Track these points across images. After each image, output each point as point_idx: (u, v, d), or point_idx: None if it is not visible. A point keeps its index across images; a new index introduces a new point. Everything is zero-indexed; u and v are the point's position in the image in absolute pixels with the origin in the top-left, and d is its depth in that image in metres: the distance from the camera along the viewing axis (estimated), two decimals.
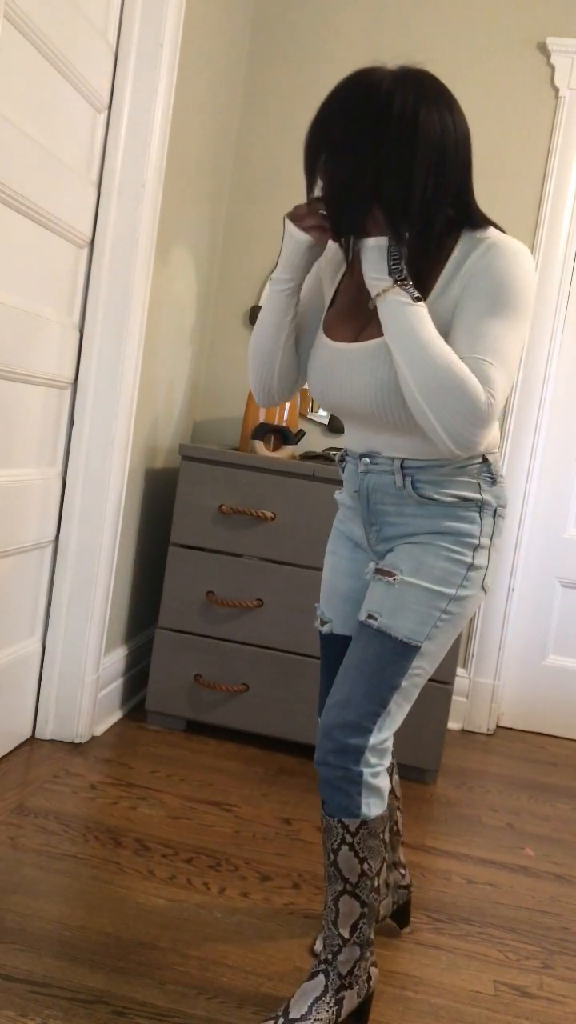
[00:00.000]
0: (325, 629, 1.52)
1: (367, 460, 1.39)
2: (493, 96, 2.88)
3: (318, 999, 1.36)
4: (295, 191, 2.98)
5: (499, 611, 2.98)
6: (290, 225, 1.32)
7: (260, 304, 3.00)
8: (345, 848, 1.35)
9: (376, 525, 1.41)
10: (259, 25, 2.98)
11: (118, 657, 2.59)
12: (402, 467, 1.35)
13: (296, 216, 1.32)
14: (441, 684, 2.43)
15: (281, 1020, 1.34)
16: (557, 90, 2.83)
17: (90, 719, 2.40)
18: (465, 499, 1.35)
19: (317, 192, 1.29)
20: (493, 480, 1.38)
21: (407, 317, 1.22)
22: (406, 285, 1.22)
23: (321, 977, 1.38)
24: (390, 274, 1.23)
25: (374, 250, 1.23)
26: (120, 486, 2.37)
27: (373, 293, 1.24)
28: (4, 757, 2.22)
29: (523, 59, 2.85)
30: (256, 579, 2.48)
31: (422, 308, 1.22)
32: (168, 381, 2.71)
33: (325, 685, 1.54)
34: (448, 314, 1.26)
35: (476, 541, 1.36)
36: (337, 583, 1.50)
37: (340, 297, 1.43)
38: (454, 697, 2.99)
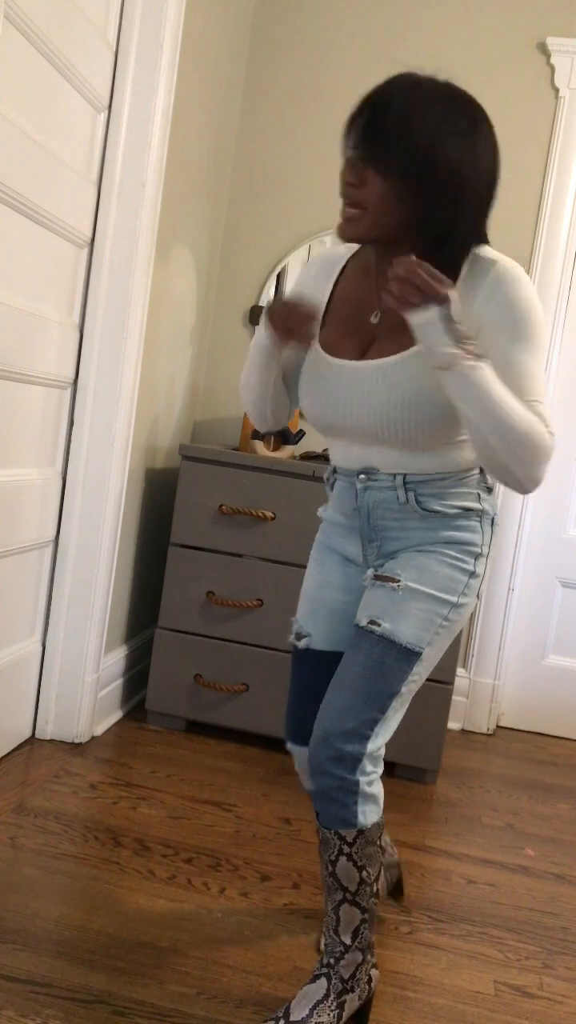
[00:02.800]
0: (302, 644, 1.49)
1: (364, 477, 1.37)
2: (493, 96, 2.88)
3: (319, 1003, 1.35)
4: (295, 191, 2.98)
5: (499, 611, 2.98)
6: (262, 322, 1.34)
7: (260, 304, 3.00)
8: (343, 859, 1.33)
9: (376, 541, 1.40)
10: (259, 25, 2.98)
11: (118, 657, 2.59)
12: (404, 482, 1.34)
13: (272, 316, 1.31)
14: (441, 684, 2.43)
15: (282, 1022, 1.33)
16: (557, 90, 2.83)
17: (90, 719, 2.40)
18: (467, 509, 1.36)
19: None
20: (489, 490, 1.41)
21: (482, 381, 1.18)
22: (468, 347, 1.18)
23: (323, 980, 1.37)
24: (456, 345, 1.17)
25: (428, 327, 1.17)
26: (120, 486, 2.37)
27: (441, 363, 1.18)
28: (4, 757, 2.22)
29: (523, 59, 2.85)
30: (256, 579, 2.48)
31: (487, 368, 1.19)
32: (168, 381, 2.71)
33: (296, 699, 1.50)
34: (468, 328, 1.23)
35: (478, 550, 1.37)
36: (325, 597, 1.47)
37: (336, 309, 1.39)
38: (454, 697, 2.99)
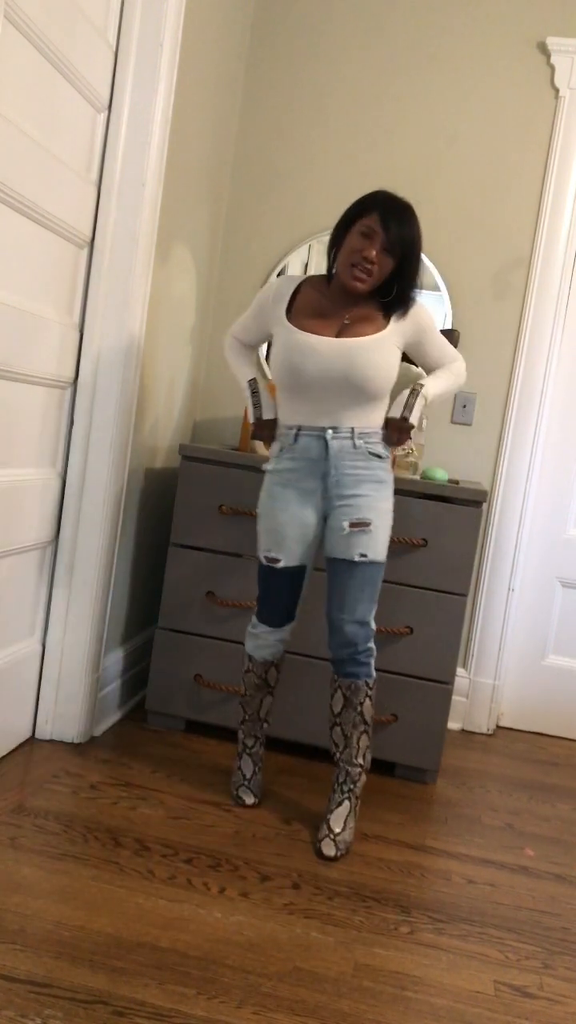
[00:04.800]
0: (279, 566, 2.07)
1: (331, 432, 1.99)
2: (493, 96, 2.88)
3: (347, 816, 2.04)
4: (295, 191, 2.98)
5: (499, 611, 2.98)
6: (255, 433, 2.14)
7: None
8: (368, 700, 2.05)
9: (334, 476, 2.00)
10: (259, 25, 2.98)
11: (118, 657, 2.59)
12: (356, 434, 2.00)
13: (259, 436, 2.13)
14: (441, 684, 2.43)
15: (332, 835, 1.99)
16: (557, 90, 2.83)
17: (90, 719, 2.40)
18: (382, 456, 2.04)
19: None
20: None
21: (437, 393, 2.07)
22: (417, 393, 2.03)
23: (347, 803, 2.06)
24: (419, 409, 2.03)
25: (414, 403, 2.03)
26: (120, 486, 2.37)
27: (410, 395, 2.03)
28: (4, 757, 2.22)
29: (523, 59, 2.85)
30: (256, 579, 2.48)
31: (428, 388, 2.04)
32: (168, 381, 2.71)
33: (272, 601, 2.11)
34: (397, 344, 2.03)
35: (392, 485, 2.07)
36: (290, 531, 2.05)
37: (302, 310, 2.02)
38: (454, 697, 2.99)
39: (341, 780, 2.08)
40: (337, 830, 2.01)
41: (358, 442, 1.99)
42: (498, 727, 3.09)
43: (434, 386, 2.04)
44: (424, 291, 2.93)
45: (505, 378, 2.94)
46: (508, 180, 2.90)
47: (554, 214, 2.85)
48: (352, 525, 1.99)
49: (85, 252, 2.23)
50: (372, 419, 2.02)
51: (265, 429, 2.10)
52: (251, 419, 2.11)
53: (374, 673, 2.06)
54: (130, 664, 2.69)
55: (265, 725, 2.25)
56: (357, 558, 1.99)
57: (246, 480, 2.46)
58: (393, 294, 1.99)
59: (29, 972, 1.43)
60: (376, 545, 2.01)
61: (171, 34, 2.21)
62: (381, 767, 2.54)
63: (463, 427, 2.97)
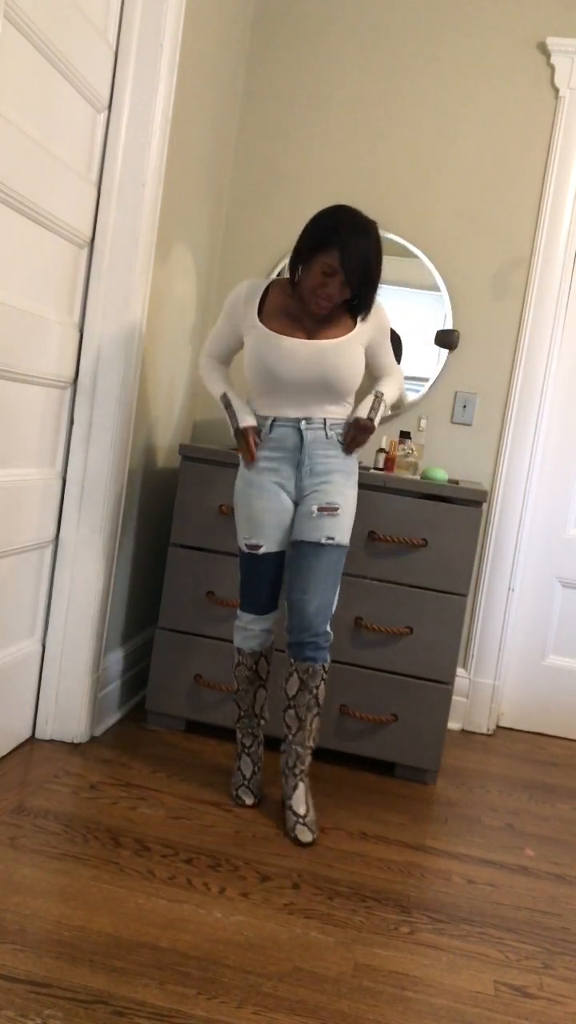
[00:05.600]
0: (261, 552, 2.12)
1: (305, 422, 2.09)
2: (493, 96, 2.88)
3: (306, 796, 2.10)
4: (295, 191, 2.98)
5: (499, 611, 2.98)
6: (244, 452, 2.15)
7: None
8: (323, 684, 2.11)
9: (308, 464, 2.10)
10: (259, 25, 2.98)
11: (118, 657, 2.59)
12: (327, 425, 2.10)
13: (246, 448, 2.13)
14: (441, 684, 2.43)
15: (301, 819, 2.05)
16: (557, 90, 2.83)
17: (90, 719, 2.40)
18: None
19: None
20: None
21: (389, 398, 2.20)
22: (380, 399, 2.17)
23: (301, 784, 2.11)
24: (377, 413, 2.15)
25: (379, 406, 2.16)
26: (120, 486, 2.37)
27: (375, 399, 2.16)
28: (4, 757, 2.22)
29: (523, 59, 2.85)
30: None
31: (381, 393, 2.18)
32: (168, 381, 2.71)
33: (256, 588, 2.16)
34: (362, 343, 2.12)
35: (357, 474, 2.18)
36: (269, 517, 2.11)
37: (271, 312, 2.09)
38: (454, 697, 2.99)
39: (291, 764, 2.12)
40: (302, 812, 2.06)
41: (330, 432, 2.10)
42: (498, 727, 3.09)
43: (389, 393, 2.19)
44: (424, 291, 2.93)
45: (505, 378, 2.94)
46: (508, 180, 2.90)
47: (554, 214, 2.85)
48: (320, 509, 2.07)
49: (85, 252, 2.23)
50: (342, 412, 2.13)
51: (248, 436, 2.11)
52: (231, 431, 2.16)
53: (329, 658, 2.11)
54: (130, 664, 2.69)
55: (262, 721, 2.26)
56: (324, 540, 2.06)
57: None
58: (355, 301, 2.06)
59: (29, 972, 1.43)
60: (342, 529, 2.09)
61: (171, 34, 2.21)
62: (381, 767, 2.54)
63: (463, 427, 2.97)
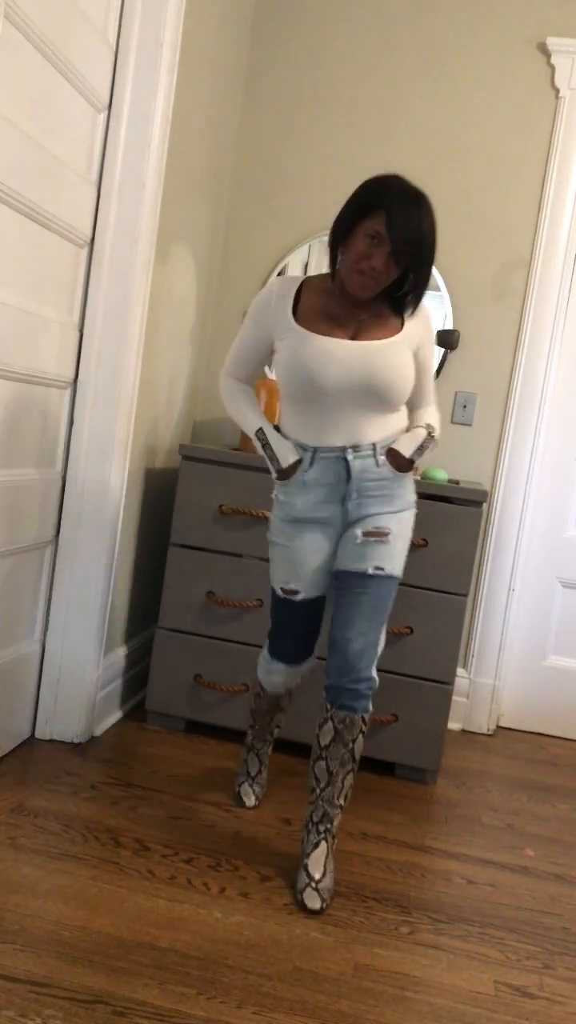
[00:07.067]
0: (299, 598, 1.90)
1: (352, 451, 1.81)
2: (493, 96, 2.88)
3: (326, 860, 1.83)
4: (295, 191, 2.98)
5: (499, 611, 2.98)
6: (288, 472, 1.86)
7: None
8: (360, 737, 1.83)
9: (358, 498, 1.82)
10: (259, 25, 2.98)
11: (118, 657, 2.59)
12: (379, 449, 1.82)
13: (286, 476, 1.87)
14: (441, 684, 2.43)
15: (313, 884, 1.78)
16: (557, 90, 2.83)
17: (90, 719, 2.40)
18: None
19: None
20: None
21: (435, 432, 1.89)
22: (432, 438, 1.88)
23: (323, 844, 1.84)
24: (421, 452, 1.86)
25: (427, 447, 1.88)
26: (120, 486, 2.37)
27: (427, 438, 1.87)
28: (4, 757, 2.22)
29: (523, 59, 2.85)
30: (256, 579, 2.48)
31: (425, 428, 1.87)
32: (168, 381, 2.71)
33: (289, 634, 1.95)
34: (411, 347, 1.84)
35: (414, 498, 1.90)
36: (311, 561, 1.87)
37: (308, 312, 1.82)
38: (454, 697, 2.99)
39: (317, 819, 1.85)
40: (317, 876, 1.79)
41: (380, 459, 1.81)
42: (498, 727, 3.09)
43: (438, 429, 1.93)
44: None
45: (505, 378, 2.94)
46: (508, 180, 2.90)
47: (554, 214, 2.85)
48: (367, 534, 1.80)
49: (85, 252, 2.23)
50: (391, 430, 1.84)
51: (291, 474, 1.85)
52: (272, 473, 1.88)
53: (371, 707, 1.85)
54: (130, 664, 2.69)
55: (276, 730, 2.21)
56: (372, 570, 1.80)
57: (246, 480, 2.46)
58: (404, 290, 1.80)
59: (29, 972, 1.43)
60: (394, 558, 1.82)
61: (171, 34, 2.21)
62: (381, 767, 2.54)
63: (463, 427, 2.97)
